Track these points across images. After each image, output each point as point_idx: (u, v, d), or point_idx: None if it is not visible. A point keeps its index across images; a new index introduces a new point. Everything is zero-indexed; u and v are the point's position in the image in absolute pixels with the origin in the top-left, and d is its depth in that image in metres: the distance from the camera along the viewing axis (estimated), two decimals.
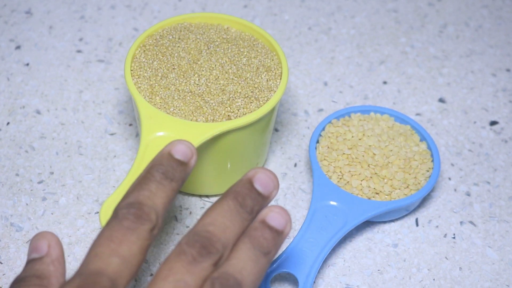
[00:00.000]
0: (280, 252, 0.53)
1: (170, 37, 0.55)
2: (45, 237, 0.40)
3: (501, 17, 0.75)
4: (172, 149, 0.41)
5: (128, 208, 0.38)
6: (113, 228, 0.37)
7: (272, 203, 0.56)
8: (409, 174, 0.54)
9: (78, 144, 0.60)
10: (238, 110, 0.51)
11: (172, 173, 0.40)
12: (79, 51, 0.68)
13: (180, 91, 0.52)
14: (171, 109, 0.50)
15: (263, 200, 0.40)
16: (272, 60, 0.54)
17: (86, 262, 0.36)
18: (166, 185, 0.39)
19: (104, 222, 0.44)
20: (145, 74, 0.53)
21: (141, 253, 0.37)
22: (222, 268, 0.37)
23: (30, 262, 0.39)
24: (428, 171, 0.55)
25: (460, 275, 0.53)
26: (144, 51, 0.54)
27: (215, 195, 0.57)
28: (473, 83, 0.67)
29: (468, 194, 0.58)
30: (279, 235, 0.39)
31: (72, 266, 0.52)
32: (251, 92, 0.52)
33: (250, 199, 0.39)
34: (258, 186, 0.40)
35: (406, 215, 0.56)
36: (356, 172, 0.54)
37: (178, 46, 0.54)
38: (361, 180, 0.54)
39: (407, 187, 0.54)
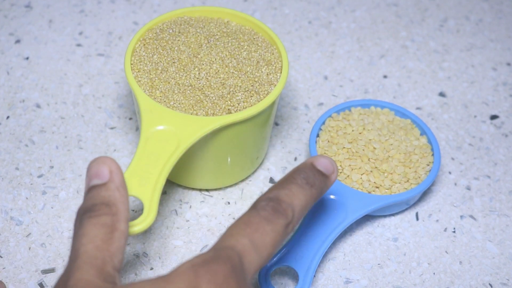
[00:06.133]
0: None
1: (170, 31, 0.55)
2: (105, 162, 0.40)
3: (501, 11, 0.75)
4: (315, 161, 0.44)
5: (267, 201, 0.40)
6: (250, 215, 0.39)
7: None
8: (410, 168, 0.54)
9: (78, 138, 0.60)
10: (238, 104, 0.51)
11: (313, 180, 0.43)
12: (79, 45, 0.68)
13: (180, 85, 0.52)
14: (171, 103, 0.50)
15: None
16: (272, 54, 0.54)
17: (221, 239, 0.38)
18: (306, 189, 0.42)
19: None
20: (145, 68, 0.52)
21: (272, 245, 0.39)
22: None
23: (93, 188, 0.39)
24: (428, 165, 0.55)
25: (460, 269, 0.53)
26: (144, 45, 0.54)
27: (215, 189, 0.57)
28: (474, 77, 0.67)
29: (469, 188, 0.58)
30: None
31: None
32: (251, 86, 0.52)
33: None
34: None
35: (406, 209, 0.56)
36: (356, 166, 0.54)
37: (178, 40, 0.54)
38: (361, 174, 0.54)
39: (407, 181, 0.54)
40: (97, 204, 0.39)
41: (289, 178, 0.42)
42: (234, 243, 0.38)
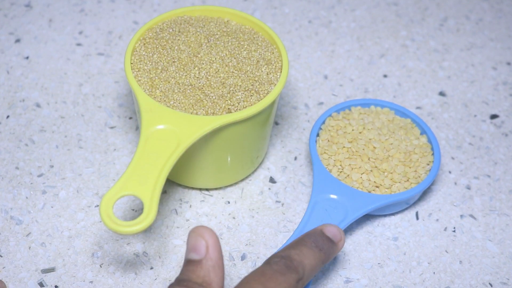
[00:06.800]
0: (284, 244, 0.53)
1: (170, 30, 0.55)
2: (203, 236, 0.41)
3: (501, 10, 0.75)
4: (325, 228, 0.47)
5: (279, 258, 0.43)
6: (264, 268, 0.42)
7: (272, 202, 0.56)
8: (410, 167, 0.54)
9: (78, 137, 0.60)
10: (238, 103, 0.51)
11: (322, 244, 0.46)
12: (79, 44, 0.68)
13: (180, 84, 0.51)
14: (171, 102, 0.50)
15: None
16: (273, 53, 0.54)
17: (237, 286, 0.41)
18: (316, 251, 0.45)
19: (104, 216, 0.44)
20: (145, 67, 0.52)
21: None
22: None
23: (190, 263, 0.41)
24: (428, 164, 0.55)
25: (460, 268, 0.53)
26: (144, 44, 0.54)
27: (215, 189, 0.57)
28: (474, 77, 0.67)
29: (469, 188, 0.58)
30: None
31: (72, 259, 0.52)
32: (251, 85, 0.52)
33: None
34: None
35: (406, 209, 0.56)
36: (356, 165, 0.54)
37: (178, 39, 0.54)
38: (361, 174, 0.54)
39: (407, 180, 0.54)
40: (191, 281, 0.40)
41: (300, 241, 0.45)
42: None
